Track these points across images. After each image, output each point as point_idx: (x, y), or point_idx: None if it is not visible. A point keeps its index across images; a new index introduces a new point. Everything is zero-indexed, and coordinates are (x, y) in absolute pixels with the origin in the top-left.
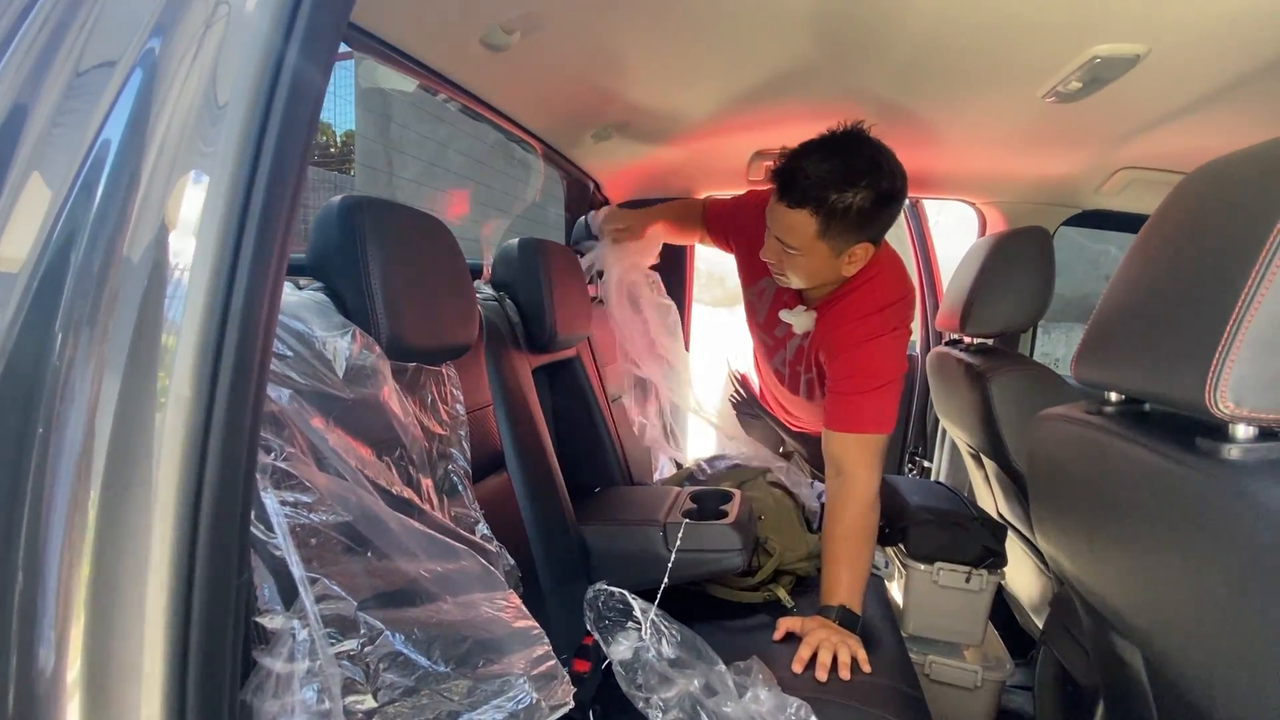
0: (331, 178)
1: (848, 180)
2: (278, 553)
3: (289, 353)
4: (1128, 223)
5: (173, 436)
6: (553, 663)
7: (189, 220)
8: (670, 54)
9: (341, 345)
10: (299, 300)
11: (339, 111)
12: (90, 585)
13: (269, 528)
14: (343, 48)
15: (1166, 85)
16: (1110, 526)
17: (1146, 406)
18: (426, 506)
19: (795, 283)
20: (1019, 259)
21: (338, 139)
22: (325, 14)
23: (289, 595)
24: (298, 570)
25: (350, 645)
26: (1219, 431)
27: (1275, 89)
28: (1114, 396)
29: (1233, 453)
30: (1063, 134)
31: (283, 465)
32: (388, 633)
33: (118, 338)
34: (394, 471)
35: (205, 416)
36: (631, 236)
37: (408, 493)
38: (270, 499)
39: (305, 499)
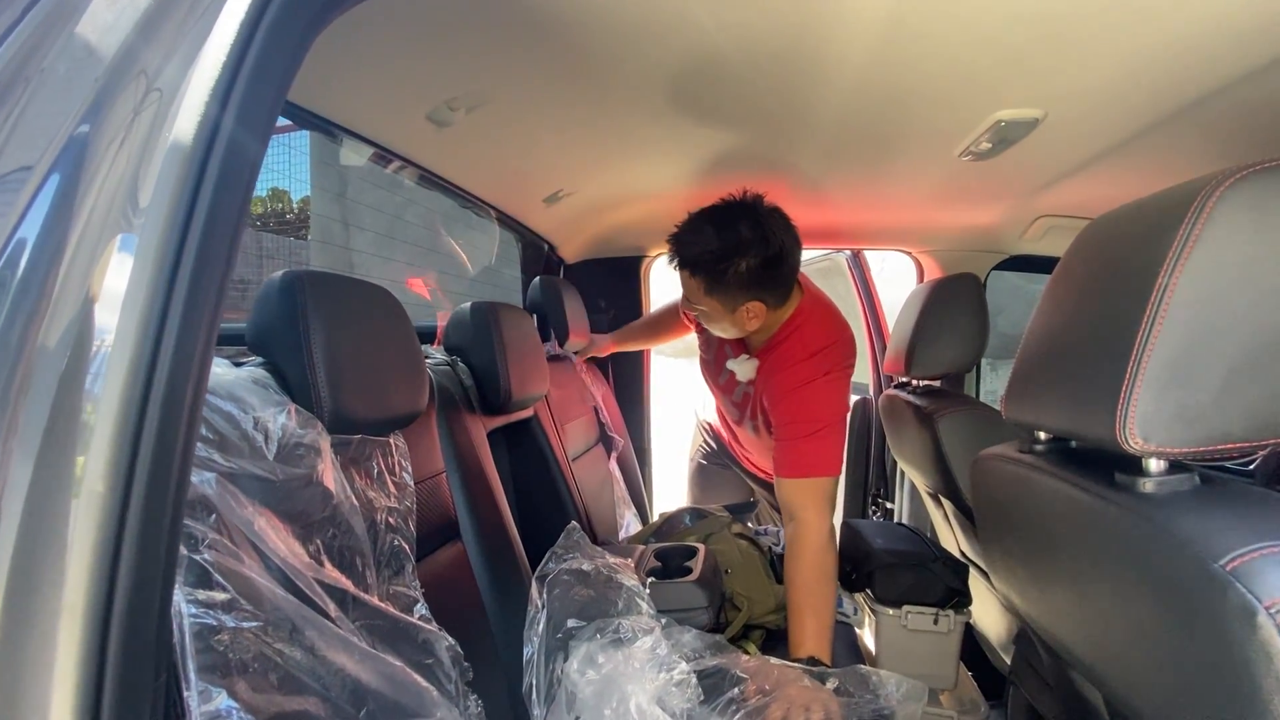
0: (288, 244)
1: (722, 253)
2: (174, 658)
3: (213, 435)
4: (1053, 266)
5: (85, 529)
6: None
7: (112, 299)
8: (612, 127)
9: (274, 424)
10: (235, 378)
11: (295, 179)
12: None
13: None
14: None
15: (1067, 143)
16: (1050, 563)
17: (1073, 443)
18: (361, 592)
19: (716, 331)
20: (953, 304)
21: (294, 205)
22: (263, 85)
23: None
24: (192, 679)
25: None
26: (1135, 465)
27: (1164, 144)
28: (1043, 435)
29: (1147, 486)
30: (983, 188)
31: (199, 558)
32: None
33: (31, 422)
34: (326, 555)
35: (120, 510)
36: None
37: (343, 579)
38: (177, 594)
39: (219, 597)
